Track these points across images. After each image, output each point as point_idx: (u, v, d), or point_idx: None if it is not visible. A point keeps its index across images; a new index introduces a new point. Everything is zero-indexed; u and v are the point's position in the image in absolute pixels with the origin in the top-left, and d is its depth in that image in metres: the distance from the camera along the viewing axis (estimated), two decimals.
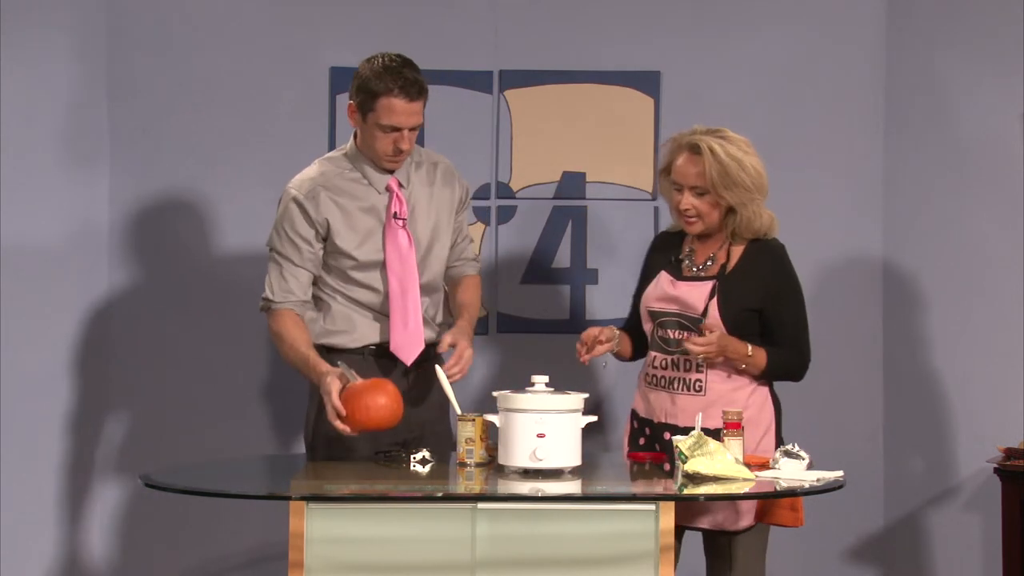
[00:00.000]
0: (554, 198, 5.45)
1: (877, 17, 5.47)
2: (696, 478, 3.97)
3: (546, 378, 4.12)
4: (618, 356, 4.60)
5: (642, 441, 4.48)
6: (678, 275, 4.47)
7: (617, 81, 5.45)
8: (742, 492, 3.94)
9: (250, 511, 5.21)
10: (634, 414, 4.55)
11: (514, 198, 5.47)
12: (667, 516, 3.78)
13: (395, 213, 4.49)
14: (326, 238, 4.47)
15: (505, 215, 5.46)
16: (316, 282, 4.54)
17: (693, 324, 4.39)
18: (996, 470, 5.08)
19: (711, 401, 4.36)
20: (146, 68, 5.38)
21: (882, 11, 5.47)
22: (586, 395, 4.15)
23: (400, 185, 4.52)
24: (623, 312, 5.39)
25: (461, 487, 4.00)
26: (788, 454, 4.10)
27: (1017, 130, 5.35)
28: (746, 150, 4.42)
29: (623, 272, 5.41)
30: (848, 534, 5.48)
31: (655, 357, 4.46)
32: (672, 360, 4.41)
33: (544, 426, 3.99)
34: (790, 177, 5.45)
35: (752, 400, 4.40)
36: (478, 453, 4.17)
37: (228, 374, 5.41)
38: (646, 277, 4.58)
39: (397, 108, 4.36)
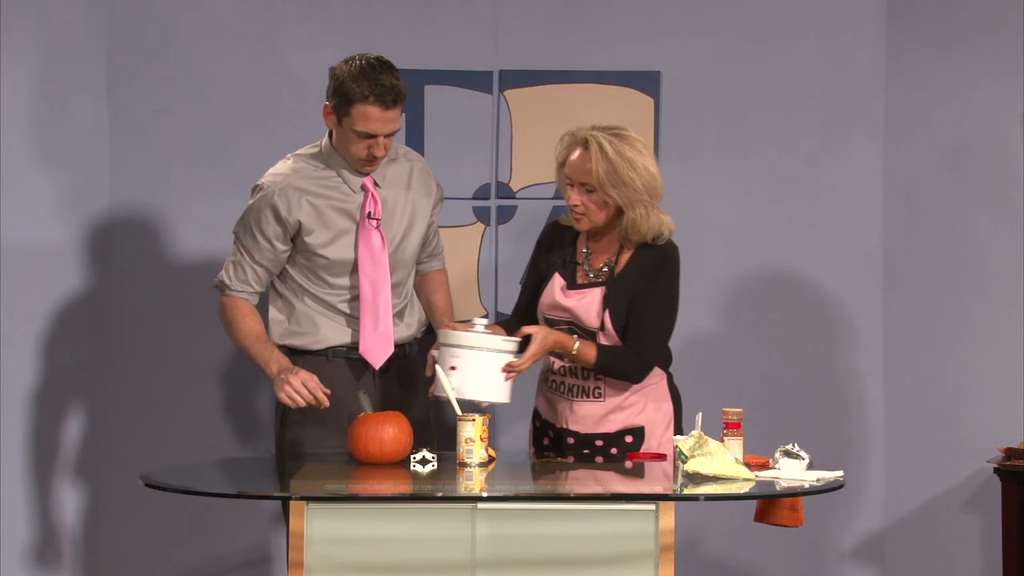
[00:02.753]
0: (554, 198, 5.45)
1: (877, 17, 5.47)
2: (696, 478, 3.97)
3: (485, 320, 4.30)
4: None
5: (546, 441, 4.52)
6: (571, 282, 4.43)
7: (617, 81, 5.45)
8: (742, 492, 3.93)
9: (250, 511, 5.21)
10: (536, 414, 4.58)
11: (514, 198, 5.47)
12: (667, 516, 3.78)
13: (369, 213, 4.46)
14: (295, 237, 4.45)
15: (505, 215, 5.46)
16: (283, 279, 4.53)
17: (586, 334, 4.39)
18: (996, 470, 5.08)
19: (610, 407, 4.41)
20: (146, 68, 5.38)
21: (882, 11, 5.47)
22: (517, 339, 4.26)
23: (375, 184, 4.49)
24: None
25: (461, 487, 4.00)
26: (788, 454, 4.09)
27: (1017, 130, 5.35)
28: (640, 150, 4.34)
29: None
30: (848, 534, 5.48)
31: (554, 362, 4.47)
32: (570, 367, 4.43)
33: (458, 360, 4.20)
34: (790, 177, 5.46)
35: (649, 401, 4.44)
36: (478, 453, 4.18)
37: (229, 374, 5.41)
38: (538, 271, 4.53)
39: (372, 116, 4.31)
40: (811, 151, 5.45)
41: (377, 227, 4.46)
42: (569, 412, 4.44)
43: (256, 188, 4.48)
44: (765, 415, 5.29)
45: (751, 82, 5.45)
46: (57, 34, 5.24)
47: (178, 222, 5.40)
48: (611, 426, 4.41)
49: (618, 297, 4.37)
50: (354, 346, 4.50)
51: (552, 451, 4.48)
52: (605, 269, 4.42)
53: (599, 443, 4.42)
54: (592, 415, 4.41)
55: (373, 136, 4.34)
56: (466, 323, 4.37)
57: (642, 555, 3.77)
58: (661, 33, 5.45)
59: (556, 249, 4.51)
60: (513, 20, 5.44)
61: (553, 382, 4.48)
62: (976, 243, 5.40)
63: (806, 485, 3.96)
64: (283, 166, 4.50)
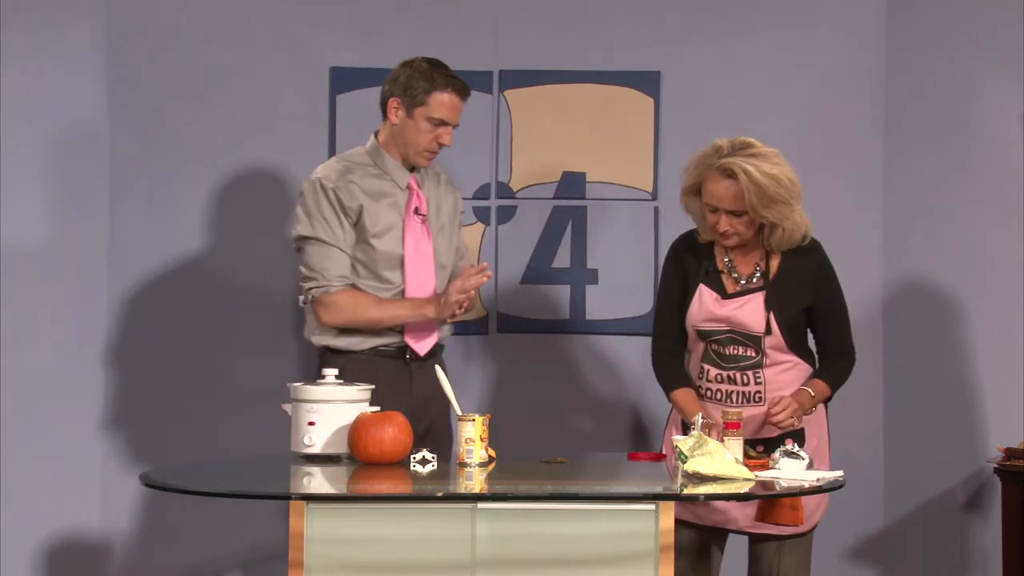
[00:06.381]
0: (554, 198, 5.45)
1: (877, 17, 5.47)
2: (696, 478, 3.97)
3: (335, 371, 4.26)
4: None
5: None
6: (722, 292, 4.42)
7: (617, 81, 5.45)
8: (742, 492, 3.93)
9: (250, 511, 5.21)
10: (680, 422, 4.53)
11: (514, 198, 5.47)
12: (667, 516, 3.77)
13: (416, 208, 4.58)
14: (355, 224, 4.53)
15: (505, 215, 5.46)
16: None
17: (747, 339, 4.39)
18: (996, 470, 5.08)
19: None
20: (146, 68, 5.38)
21: (882, 11, 5.47)
22: (371, 387, 4.23)
23: (419, 184, 4.62)
24: (623, 311, 5.40)
25: (461, 487, 4.00)
26: (788, 454, 4.09)
27: (1017, 130, 5.35)
28: (777, 162, 4.31)
29: (623, 272, 5.41)
30: (848, 534, 5.48)
31: (708, 370, 4.45)
32: (728, 375, 4.42)
33: (315, 415, 4.19)
34: None
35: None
36: (478, 453, 4.18)
37: (228, 374, 5.41)
38: (678, 286, 4.47)
39: (449, 104, 4.52)
40: (811, 151, 5.45)
41: (423, 223, 4.58)
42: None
43: (308, 185, 4.54)
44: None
45: (751, 82, 5.45)
46: (57, 34, 5.24)
47: (178, 222, 5.40)
48: (772, 431, 4.39)
49: (780, 301, 4.39)
50: (395, 344, 4.55)
51: None
52: (758, 275, 4.42)
53: (760, 448, 4.40)
54: (750, 418, 4.35)
55: (446, 124, 4.52)
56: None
57: (642, 555, 3.77)
58: (661, 33, 5.45)
59: (691, 262, 4.47)
60: (513, 20, 5.44)
61: (708, 390, 4.45)
62: (976, 243, 5.40)
63: (806, 485, 3.96)
64: (332, 163, 4.62)
